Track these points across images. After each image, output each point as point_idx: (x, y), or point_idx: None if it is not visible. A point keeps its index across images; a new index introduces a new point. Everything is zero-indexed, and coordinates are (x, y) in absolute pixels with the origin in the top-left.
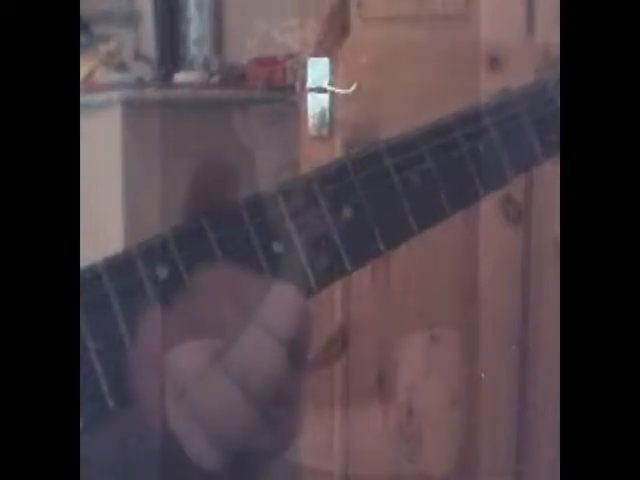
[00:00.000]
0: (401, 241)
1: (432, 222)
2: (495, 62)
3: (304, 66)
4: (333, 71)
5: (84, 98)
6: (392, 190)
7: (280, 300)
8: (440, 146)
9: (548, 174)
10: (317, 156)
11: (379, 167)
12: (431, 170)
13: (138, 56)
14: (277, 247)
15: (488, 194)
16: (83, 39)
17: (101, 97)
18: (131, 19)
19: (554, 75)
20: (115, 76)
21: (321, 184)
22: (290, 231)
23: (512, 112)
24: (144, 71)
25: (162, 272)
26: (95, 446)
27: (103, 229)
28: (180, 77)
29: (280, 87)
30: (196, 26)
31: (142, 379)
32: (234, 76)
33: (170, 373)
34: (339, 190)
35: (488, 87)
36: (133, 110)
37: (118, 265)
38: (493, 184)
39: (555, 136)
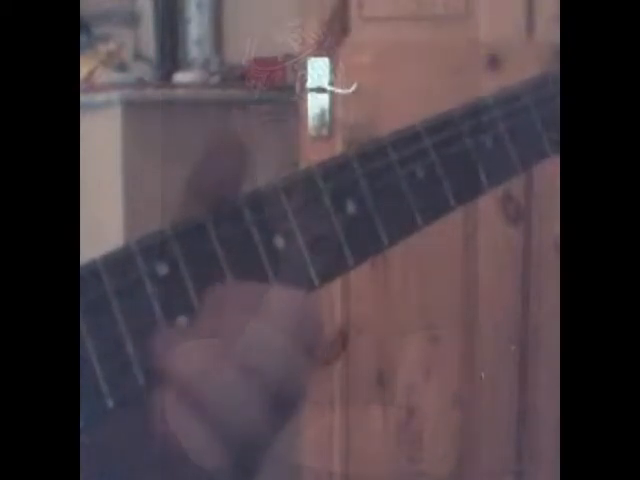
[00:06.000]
0: (405, 236)
1: (437, 216)
2: (495, 62)
3: (304, 66)
4: (333, 71)
5: (84, 98)
6: (396, 184)
7: (280, 300)
8: (445, 140)
9: (548, 174)
10: (317, 156)
11: (383, 161)
12: (435, 164)
13: (138, 56)
14: (279, 242)
15: (494, 187)
16: (83, 39)
17: (101, 97)
18: (131, 19)
19: (556, 72)
20: (115, 76)
21: (324, 178)
22: (292, 226)
23: (519, 105)
24: (144, 71)
25: (162, 269)
26: (95, 446)
27: (103, 229)
28: (180, 77)
29: (280, 87)
30: (196, 26)
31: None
32: (234, 76)
33: (173, 372)
34: (343, 184)
35: (488, 87)
36: (133, 110)
37: (117, 262)
38: (499, 178)
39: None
